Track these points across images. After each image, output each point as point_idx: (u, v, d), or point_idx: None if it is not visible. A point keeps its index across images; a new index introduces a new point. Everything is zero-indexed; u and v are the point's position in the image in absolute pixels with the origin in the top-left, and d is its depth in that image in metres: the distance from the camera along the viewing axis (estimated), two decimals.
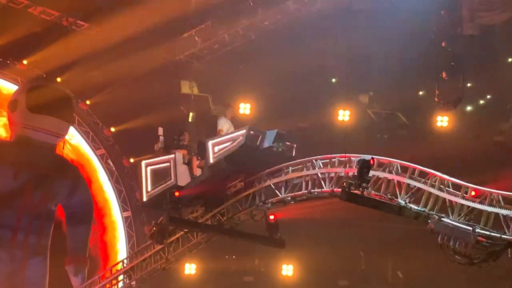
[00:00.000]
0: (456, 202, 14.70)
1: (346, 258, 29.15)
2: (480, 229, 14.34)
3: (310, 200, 17.76)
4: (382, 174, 15.68)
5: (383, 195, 15.48)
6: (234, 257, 30.32)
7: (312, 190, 17.23)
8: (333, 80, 28.85)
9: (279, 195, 18.14)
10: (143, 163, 20.01)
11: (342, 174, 16.16)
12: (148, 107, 28.99)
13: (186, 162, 19.53)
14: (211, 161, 18.55)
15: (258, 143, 17.97)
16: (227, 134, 18.91)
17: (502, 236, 14.19)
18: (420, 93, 29.50)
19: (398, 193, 15.36)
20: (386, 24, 27.05)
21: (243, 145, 17.87)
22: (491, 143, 27.99)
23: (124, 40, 27.30)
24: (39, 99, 22.32)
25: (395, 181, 15.47)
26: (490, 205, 14.29)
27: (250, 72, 27.99)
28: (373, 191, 15.51)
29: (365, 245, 28.96)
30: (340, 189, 15.87)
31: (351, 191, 15.29)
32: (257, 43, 28.26)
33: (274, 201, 18.37)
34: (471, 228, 14.27)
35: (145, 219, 29.29)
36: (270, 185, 18.32)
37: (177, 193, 18.94)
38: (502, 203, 14.28)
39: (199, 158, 19.40)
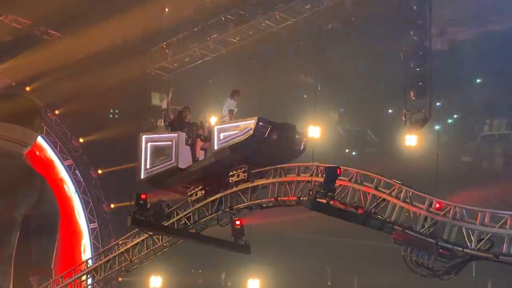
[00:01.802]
0: (420, 214, 15.01)
1: (313, 274, 29.53)
2: (443, 242, 14.66)
3: (276, 207, 17.85)
4: (348, 184, 15.90)
5: (349, 205, 15.66)
6: (200, 271, 30.62)
7: (278, 198, 17.34)
8: (305, 96, 29.33)
9: (245, 201, 18.12)
10: (144, 137, 19.15)
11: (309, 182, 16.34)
12: (117, 118, 29.23)
13: (189, 143, 18.80)
14: (216, 147, 17.91)
15: (266, 135, 17.44)
16: (235, 121, 18.13)
17: (465, 249, 14.58)
18: (390, 111, 30.11)
19: (363, 203, 15.61)
20: (356, 43, 27.79)
21: (251, 136, 17.32)
22: (459, 163, 28.61)
23: (95, 51, 27.58)
24: (6, 107, 22.42)
25: (361, 191, 15.72)
26: (454, 218, 14.67)
27: (221, 86, 28.42)
28: (339, 201, 15.67)
29: (332, 261, 29.37)
30: (306, 198, 15.98)
31: (317, 199, 15.45)
32: (227, 57, 28.66)
33: (240, 207, 18.36)
34: (434, 241, 14.65)
35: (112, 231, 29.50)
36: (236, 191, 18.19)
37: (143, 196, 18.71)
38: (465, 216, 14.69)
39: (202, 139, 18.82)
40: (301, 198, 16.54)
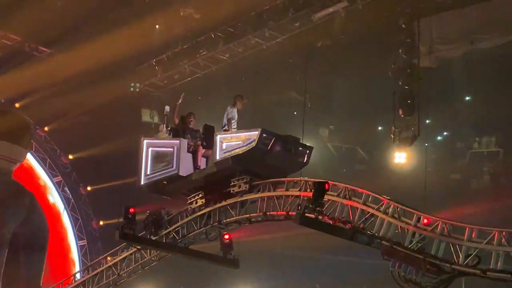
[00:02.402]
0: (408, 230, 15.22)
1: None
2: (431, 257, 14.87)
3: (264, 221, 17.98)
4: (337, 199, 16.10)
5: (337, 220, 15.84)
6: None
7: (267, 212, 17.47)
8: (295, 113, 29.58)
9: (234, 215, 18.26)
10: (145, 142, 19.19)
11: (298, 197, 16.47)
12: (107, 135, 29.39)
13: (190, 150, 18.76)
14: (218, 157, 17.87)
15: (269, 147, 17.41)
16: (238, 131, 18.13)
17: (452, 265, 14.78)
18: (380, 128, 30.36)
19: (352, 218, 15.78)
20: (346, 61, 28.10)
21: (254, 148, 17.30)
22: (447, 180, 28.82)
23: (85, 68, 27.78)
24: None
25: (350, 207, 15.91)
26: (441, 234, 14.89)
27: (210, 103, 28.65)
28: (327, 216, 15.87)
29: (321, 278, 29.48)
30: (295, 212, 16.06)
31: (306, 214, 15.61)
32: (217, 75, 28.91)
33: (229, 221, 18.50)
34: (422, 256, 14.86)
35: (101, 249, 29.59)
36: (225, 205, 18.34)
37: (131, 209, 18.82)
38: (453, 232, 14.86)
39: (205, 146, 18.74)
40: (290, 213, 16.67)
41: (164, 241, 19.56)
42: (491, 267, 14.39)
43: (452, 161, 29.86)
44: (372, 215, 15.68)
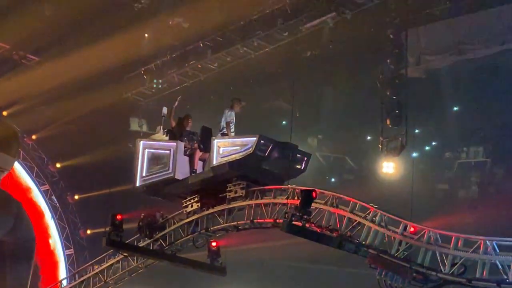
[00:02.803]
0: (395, 238, 15.42)
1: None
2: (417, 266, 15.09)
3: (252, 229, 18.10)
4: (324, 207, 16.25)
5: (324, 228, 16.00)
6: None
7: (254, 220, 17.56)
8: (283, 122, 29.76)
9: (221, 223, 18.32)
10: (141, 143, 19.08)
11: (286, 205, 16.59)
12: (95, 143, 29.50)
13: (187, 153, 18.65)
14: (214, 162, 17.78)
15: (266, 154, 17.36)
16: (236, 137, 18.18)
17: (438, 274, 15.01)
18: (368, 138, 30.58)
19: (339, 226, 15.93)
20: (334, 70, 28.35)
21: (251, 154, 17.26)
22: (435, 190, 29.04)
23: (73, 76, 27.93)
24: None
25: (337, 215, 16.06)
26: (428, 242, 15.11)
27: (199, 112, 28.79)
28: (314, 224, 16.00)
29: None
30: (282, 220, 16.18)
31: (293, 222, 15.68)
32: (206, 84, 29.12)
33: (216, 228, 18.57)
34: (408, 265, 15.07)
35: (88, 258, 29.60)
36: (212, 212, 18.42)
37: (119, 217, 18.79)
38: (439, 241, 15.14)
39: (202, 149, 18.63)
40: (277, 221, 16.78)
41: (151, 248, 19.59)
42: (476, 276, 14.59)
43: (440, 171, 30.06)
44: (359, 223, 15.84)
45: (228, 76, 28.72)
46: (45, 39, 28.04)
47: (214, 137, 18.16)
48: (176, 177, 18.25)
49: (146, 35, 29.18)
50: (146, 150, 18.85)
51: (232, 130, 18.56)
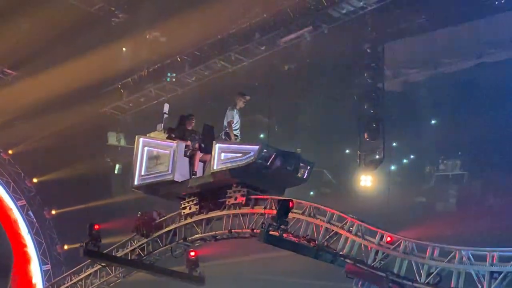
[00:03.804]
0: (371, 248, 15.66)
1: None
2: (393, 276, 15.29)
3: (230, 239, 18.17)
4: (301, 217, 16.48)
5: (302, 238, 16.19)
6: None
7: (232, 230, 17.69)
8: (261, 135, 30.09)
9: (199, 232, 18.43)
10: (141, 140, 18.67)
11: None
12: (72, 158, 29.66)
13: (187, 154, 18.33)
14: (215, 167, 17.53)
15: (269, 163, 17.24)
16: (238, 143, 17.96)
17: (414, 283, 15.23)
18: (347, 151, 30.97)
19: (316, 236, 16.12)
20: (313, 84, 28.76)
21: (253, 162, 17.08)
22: (413, 203, 29.43)
23: (51, 90, 28.12)
24: None
25: (314, 225, 16.27)
26: (404, 252, 15.37)
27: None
28: (292, 234, 16.18)
29: None
30: (260, 230, 16.33)
31: (270, 232, 15.81)
32: (183, 98, 29.42)
33: (194, 238, 18.68)
34: (384, 274, 15.34)
35: (65, 273, 29.70)
36: (191, 222, 18.51)
37: (96, 226, 18.71)
38: (415, 251, 15.44)
39: (203, 149, 18.34)
40: (255, 231, 17.00)
41: (129, 258, 19.66)
42: (452, 286, 14.93)
43: (417, 184, 30.46)
44: (336, 233, 16.08)
45: (205, 90, 29.03)
46: (23, 54, 28.25)
47: (215, 141, 17.94)
48: (175, 179, 18.03)
49: (123, 49, 29.50)
50: (146, 148, 18.56)
51: (237, 128, 18.48)
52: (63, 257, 31.15)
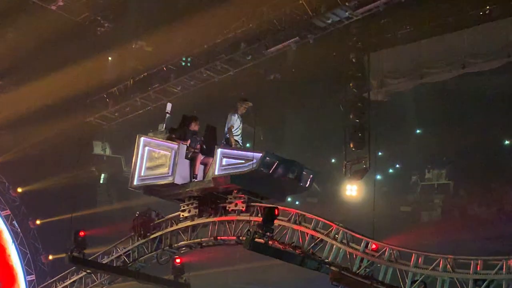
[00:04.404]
0: (356, 255, 15.90)
1: None
2: (378, 283, 15.52)
3: (215, 246, 18.35)
4: (287, 224, 16.70)
5: (287, 245, 16.36)
6: None
7: (218, 237, 17.88)
8: (248, 145, 30.29)
9: (185, 239, 18.56)
10: (142, 139, 18.51)
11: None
12: (57, 168, 29.77)
13: (189, 157, 18.16)
14: (216, 172, 17.47)
15: (271, 171, 17.23)
16: (241, 150, 17.91)
17: None
18: (333, 161, 31.26)
19: (302, 243, 16.34)
20: (298, 94, 29.05)
21: (256, 170, 17.04)
22: (398, 212, 29.78)
23: (36, 100, 28.29)
24: None
25: (300, 232, 16.49)
26: (389, 259, 15.66)
27: None
28: (277, 241, 16.37)
29: None
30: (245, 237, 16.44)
31: (255, 239, 15.98)
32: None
33: (180, 245, 18.81)
34: (369, 282, 15.59)
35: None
36: (177, 229, 18.68)
37: (82, 233, 18.95)
38: (400, 258, 15.64)
39: (204, 151, 18.30)
40: (241, 238, 17.18)
41: (114, 264, 19.81)
42: None
43: (403, 193, 30.81)
44: (322, 240, 16.32)
45: (191, 100, 29.22)
46: (8, 63, 28.37)
47: (217, 146, 17.92)
48: (175, 182, 17.89)
49: (109, 58, 29.69)
50: (147, 148, 18.46)
51: (238, 134, 18.47)
52: (47, 267, 31.20)
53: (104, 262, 19.97)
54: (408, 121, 30.12)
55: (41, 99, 28.35)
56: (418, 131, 31.57)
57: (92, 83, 29.00)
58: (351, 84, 26.65)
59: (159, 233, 19.09)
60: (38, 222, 31.51)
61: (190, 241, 18.61)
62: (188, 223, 18.50)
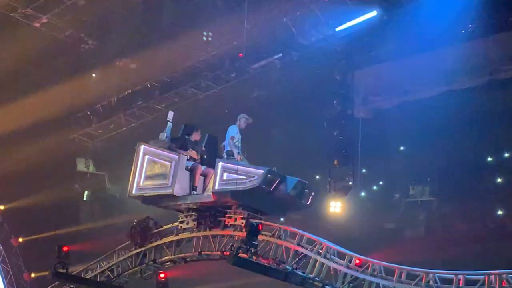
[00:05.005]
0: (340, 270, 16.18)
1: None
2: None
3: (200, 261, 18.48)
4: (271, 239, 16.93)
5: (271, 260, 16.70)
6: None
7: (202, 252, 18.00)
8: None
9: (169, 254, 18.64)
10: (142, 147, 18.35)
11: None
12: (40, 185, 29.86)
13: (189, 168, 18.13)
14: (217, 187, 17.44)
15: (272, 188, 17.23)
16: (243, 165, 17.71)
17: None
18: (317, 177, 31.50)
19: (285, 258, 16.59)
20: (282, 111, 29.30)
21: (257, 187, 17.08)
22: (382, 229, 29.99)
23: (19, 118, 28.42)
24: None
25: (284, 247, 16.74)
26: (372, 274, 15.96)
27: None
28: (262, 256, 16.68)
29: None
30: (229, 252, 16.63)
31: (239, 255, 15.91)
32: (153, 124, 29.77)
33: (164, 260, 18.89)
34: None
35: None
36: (161, 244, 18.75)
37: (65, 248, 18.91)
38: (383, 273, 16.00)
39: (205, 161, 18.28)
40: (225, 253, 17.32)
41: (98, 279, 19.84)
42: None
43: (387, 210, 31.02)
44: (306, 255, 16.57)
45: (176, 117, 29.38)
46: None
47: (218, 159, 17.90)
48: (174, 193, 17.85)
49: (93, 75, 29.87)
50: (146, 157, 18.31)
51: (238, 144, 18.45)
52: (30, 285, 31.23)
53: (87, 277, 19.98)
54: (392, 138, 30.34)
55: (25, 117, 28.46)
56: (402, 148, 31.80)
57: (76, 100, 29.22)
58: (335, 101, 26.90)
59: (143, 248, 19.13)
60: (20, 240, 31.55)
61: (174, 256, 18.67)
62: (173, 237, 18.60)
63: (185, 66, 28.18)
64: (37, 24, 27.70)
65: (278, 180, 17.32)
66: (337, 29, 24.48)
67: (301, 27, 24.93)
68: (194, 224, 18.34)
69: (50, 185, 29.74)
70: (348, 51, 26.75)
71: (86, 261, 20.88)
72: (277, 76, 27.65)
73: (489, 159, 30.43)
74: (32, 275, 31.42)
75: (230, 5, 26.34)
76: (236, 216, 17.69)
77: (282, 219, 31.46)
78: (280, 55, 25.83)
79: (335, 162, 26.89)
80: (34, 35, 27.84)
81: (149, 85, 29.31)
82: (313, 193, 18.32)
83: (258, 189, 17.13)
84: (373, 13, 24.00)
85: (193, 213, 18.39)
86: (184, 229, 18.57)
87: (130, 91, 29.79)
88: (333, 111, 26.95)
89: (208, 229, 18.17)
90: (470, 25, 24.78)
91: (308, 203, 18.20)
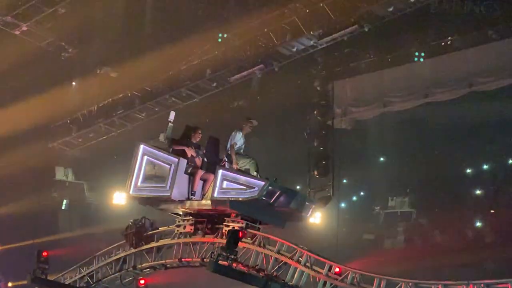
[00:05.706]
0: (319, 278, 16.27)
1: None
2: None
3: (180, 267, 18.47)
4: (251, 247, 17.01)
5: (251, 268, 16.77)
6: None
7: (182, 259, 17.97)
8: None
9: (149, 260, 18.60)
10: (142, 147, 17.96)
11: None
12: (18, 193, 29.86)
13: (188, 172, 17.84)
14: (215, 195, 17.23)
15: (272, 200, 17.16)
16: (243, 175, 17.40)
17: None
18: (298, 187, 31.74)
19: (265, 266, 16.69)
20: (263, 121, 29.51)
21: (257, 198, 16.98)
22: (361, 240, 30.28)
23: None
24: None
25: (264, 254, 16.86)
26: (351, 283, 16.05)
27: (126, 162, 29.44)
28: (241, 263, 16.73)
29: None
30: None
31: (219, 262, 15.86)
32: (133, 133, 29.87)
33: (144, 266, 18.85)
34: None
35: None
36: (141, 250, 18.68)
37: (45, 253, 18.94)
38: (362, 282, 16.08)
39: (204, 165, 18.02)
40: (205, 260, 17.39)
41: (77, 285, 19.86)
42: None
43: (366, 221, 31.31)
44: (285, 263, 16.74)
45: (155, 126, 29.53)
46: None
47: (219, 166, 17.62)
48: (172, 197, 17.64)
49: (73, 84, 29.98)
50: (146, 157, 17.97)
51: (240, 150, 18.20)
52: None
53: (67, 282, 19.99)
54: (371, 149, 30.67)
55: (3, 124, 28.48)
56: (381, 159, 32.15)
57: (55, 109, 29.24)
58: (315, 112, 27.24)
59: (123, 254, 19.17)
60: None
61: (154, 262, 18.74)
62: (153, 244, 18.68)
63: (166, 76, 28.27)
64: (17, 32, 27.73)
65: (277, 193, 17.28)
66: (319, 40, 24.70)
67: (283, 37, 25.15)
68: (191, 229, 18.19)
69: (29, 193, 29.71)
70: (328, 62, 27.12)
71: (64, 269, 20.93)
72: (258, 87, 27.85)
73: (468, 171, 30.89)
74: (10, 284, 31.35)
75: (211, 15, 26.59)
76: (234, 224, 17.56)
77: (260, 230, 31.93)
78: (261, 65, 25.99)
79: (315, 172, 27.15)
80: (14, 43, 27.88)
81: (129, 94, 29.45)
82: (313, 206, 18.45)
83: (257, 200, 17.10)
84: (354, 27, 24.21)
85: (190, 217, 18.23)
86: (181, 233, 18.36)
87: (110, 99, 29.88)
88: (314, 121, 27.26)
89: (204, 235, 18.06)
90: (450, 38, 25.18)
91: (307, 215, 18.30)
